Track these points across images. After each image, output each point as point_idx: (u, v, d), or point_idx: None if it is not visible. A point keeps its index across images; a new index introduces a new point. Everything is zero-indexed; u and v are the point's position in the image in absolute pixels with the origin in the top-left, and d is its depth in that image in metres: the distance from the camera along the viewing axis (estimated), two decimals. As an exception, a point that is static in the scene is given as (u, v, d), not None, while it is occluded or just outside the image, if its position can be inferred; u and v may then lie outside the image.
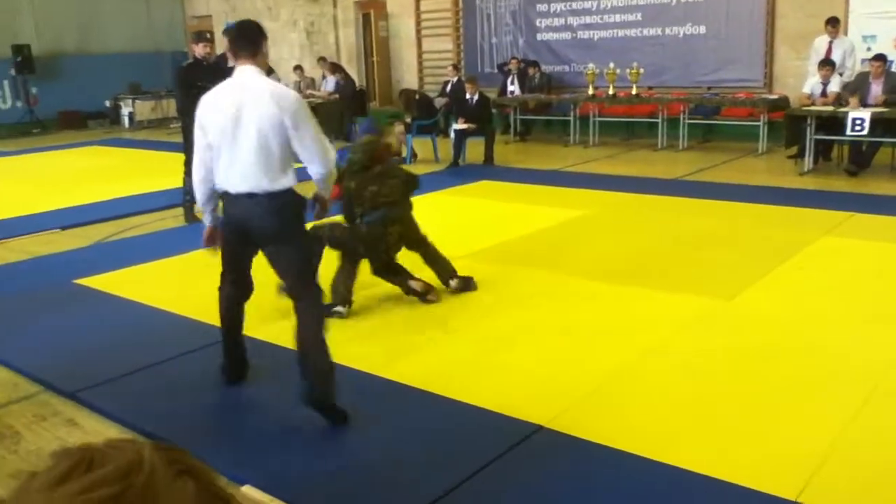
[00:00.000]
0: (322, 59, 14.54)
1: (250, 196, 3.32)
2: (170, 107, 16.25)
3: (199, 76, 7.43)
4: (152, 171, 10.21)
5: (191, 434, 3.31)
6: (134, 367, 4.00)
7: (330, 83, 13.83)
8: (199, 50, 7.46)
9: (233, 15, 18.47)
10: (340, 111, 13.33)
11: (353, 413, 3.43)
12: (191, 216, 7.52)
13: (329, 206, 3.75)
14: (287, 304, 4.60)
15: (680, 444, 3.09)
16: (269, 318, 4.64)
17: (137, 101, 17.21)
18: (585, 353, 4.06)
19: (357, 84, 14.60)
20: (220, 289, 3.71)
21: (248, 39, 3.41)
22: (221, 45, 8.88)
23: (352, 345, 4.22)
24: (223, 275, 3.67)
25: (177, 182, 7.62)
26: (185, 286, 5.36)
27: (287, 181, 3.36)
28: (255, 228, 3.40)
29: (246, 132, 3.25)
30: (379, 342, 4.28)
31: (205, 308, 4.84)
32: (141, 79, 17.32)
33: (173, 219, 7.64)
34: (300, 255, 3.49)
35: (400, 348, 4.17)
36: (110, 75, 16.96)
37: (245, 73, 3.35)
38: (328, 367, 3.37)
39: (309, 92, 13.93)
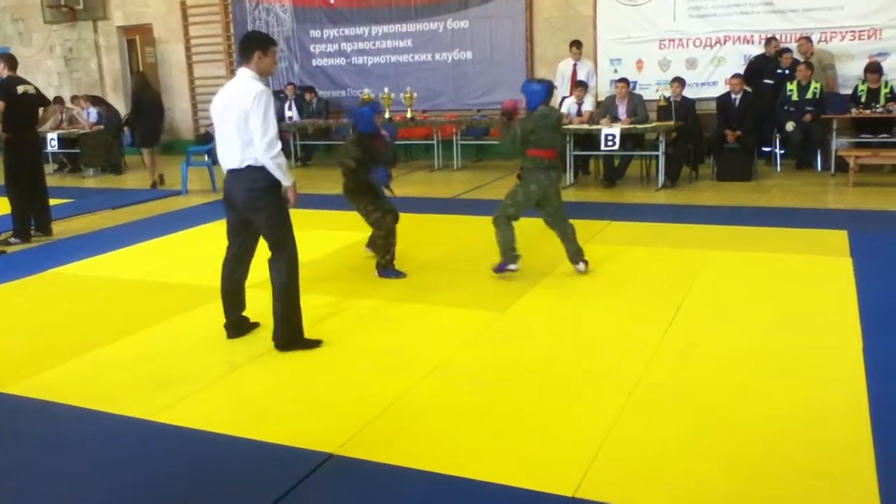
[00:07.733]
0: (77, 96, 13.75)
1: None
2: None
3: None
4: None
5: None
6: None
7: (92, 114, 13.02)
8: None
9: (-24, 40, 16.84)
10: (107, 141, 12.62)
11: (109, 464, 3.23)
12: None
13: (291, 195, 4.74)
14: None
15: (467, 455, 3.20)
16: (29, 371, 4.26)
17: None
18: (373, 374, 4.10)
19: (123, 113, 13.85)
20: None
21: (241, 49, 4.36)
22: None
23: (116, 390, 3.98)
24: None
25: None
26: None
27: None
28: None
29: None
30: (139, 383, 4.07)
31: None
32: None
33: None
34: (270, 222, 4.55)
35: (174, 390, 3.97)
36: None
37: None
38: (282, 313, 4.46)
39: (70, 128, 13.05)
